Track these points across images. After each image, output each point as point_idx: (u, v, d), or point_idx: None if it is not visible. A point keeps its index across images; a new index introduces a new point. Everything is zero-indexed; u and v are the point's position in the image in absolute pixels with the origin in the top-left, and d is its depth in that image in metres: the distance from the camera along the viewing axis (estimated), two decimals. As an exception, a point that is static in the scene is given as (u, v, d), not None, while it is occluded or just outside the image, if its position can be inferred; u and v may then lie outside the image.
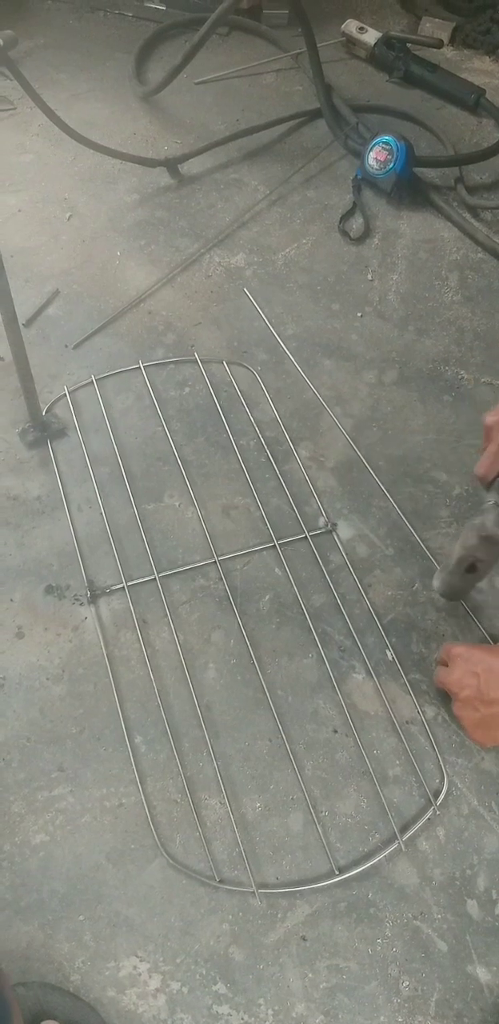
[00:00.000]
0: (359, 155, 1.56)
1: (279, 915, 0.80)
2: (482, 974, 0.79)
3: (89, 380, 1.19)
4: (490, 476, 0.94)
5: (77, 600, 0.98)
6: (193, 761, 0.88)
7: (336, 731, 0.91)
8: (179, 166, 1.53)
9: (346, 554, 1.04)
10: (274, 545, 1.04)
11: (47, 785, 0.85)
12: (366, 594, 1.01)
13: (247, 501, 1.09)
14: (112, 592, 0.99)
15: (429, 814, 0.86)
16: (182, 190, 1.52)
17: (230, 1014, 0.75)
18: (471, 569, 0.95)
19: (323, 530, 1.07)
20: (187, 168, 1.55)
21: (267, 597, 1.00)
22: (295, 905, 0.81)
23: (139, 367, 1.21)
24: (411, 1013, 0.77)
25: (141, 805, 0.84)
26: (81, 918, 0.78)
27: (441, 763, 0.90)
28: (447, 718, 0.93)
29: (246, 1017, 0.75)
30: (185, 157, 1.54)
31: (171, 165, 1.52)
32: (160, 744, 0.88)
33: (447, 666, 0.90)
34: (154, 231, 1.44)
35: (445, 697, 0.93)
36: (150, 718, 0.90)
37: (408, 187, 1.52)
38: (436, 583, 1.00)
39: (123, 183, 1.52)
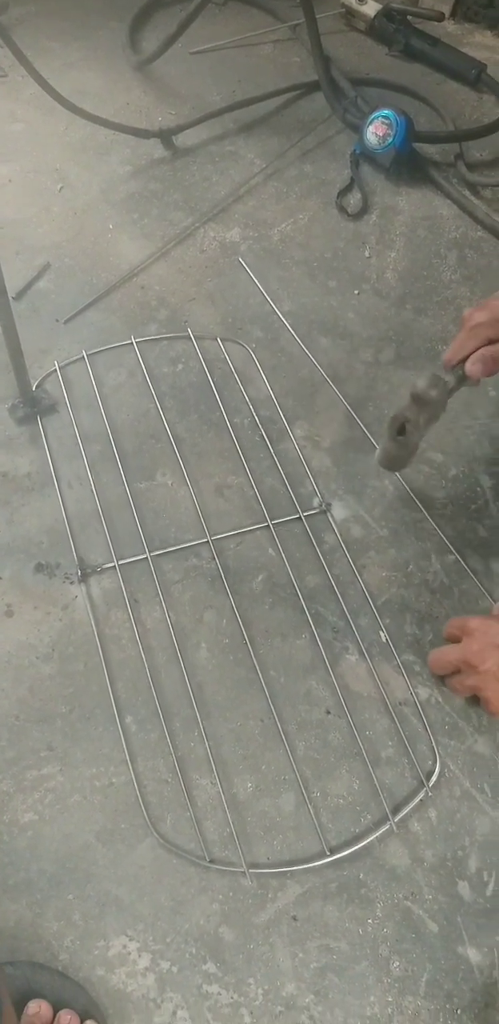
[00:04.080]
0: (357, 129, 1.56)
1: (270, 895, 0.81)
2: (473, 955, 0.80)
3: (80, 356, 1.19)
4: (453, 361, 0.97)
5: (67, 579, 0.98)
6: (184, 741, 0.88)
7: (329, 712, 0.92)
8: (173, 137, 1.53)
9: (340, 535, 1.05)
10: (268, 525, 1.05)
11: (36, 764, 0.86)
12: (360, 575, 1.02)
13: (241, 480, 1.09)
14: (103, 571, 0.99)
15: (421, 796, 0.87)
16: (176, 162, 1.52)
17: (220, 993, 0.76)
18: (401, 431, 0.97)
19: (317, 511, 1.07)
20: (181, 140, 1.55)
21: (260, 577, 1.01)
22: (286, 885, 0.82)
23: (131, 343, 1.21)
24: (401, 993, 0.78)
25: (131, 785, 0.85)
26: (70, 897, 0.79)
27: (434, 745, 0.91)
28: (440, 700, 0.94)
29: (236, 996, 0.76)
30: (179, 128, 1.53)
31: (165, 136, 1.51)
32: (151, 724, 0.89)
33: (458, 641, 0.91)
34: (147, 204, 1.43)
35: (440, 677, 0.94)
36: (141, 698, 0.91)
37: (407, 163, 1.52)
38: (376, 455, 1.04)
39: (116, 154, 1.51)
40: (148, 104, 1.63)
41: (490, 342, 0.96)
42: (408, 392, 0.96)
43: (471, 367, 0.95)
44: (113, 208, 1.42)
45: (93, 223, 1.39)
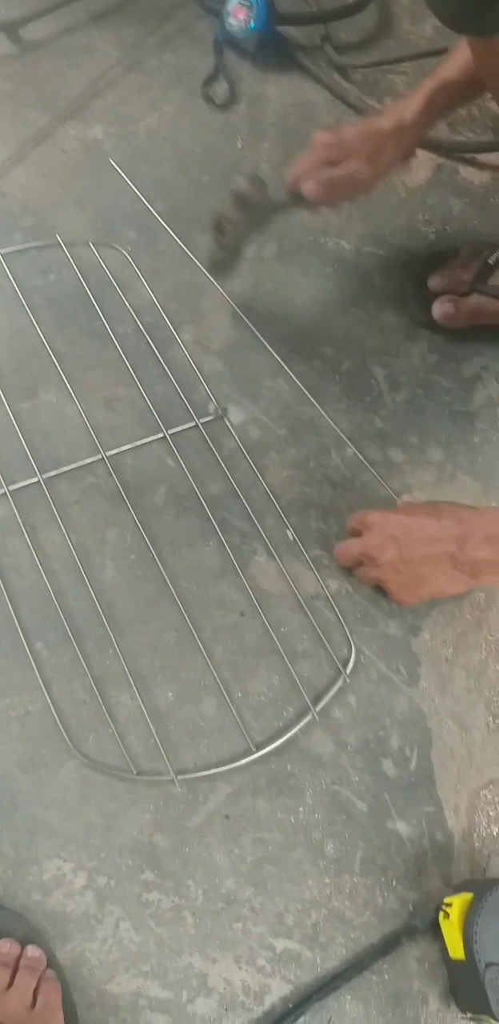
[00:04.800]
0: (218, 14, 1.55)
1: (200, 798, 0.86)
2: (402, 828, 0.88)
3: None
4: (293, 180, 1.03)
5: (-46, 511, 0.98)
6: (99, 660, 0.91)
7: (243, 614, 0.96)
8: (19, 30, 1.48)
9: (239, 439, 1.09)
10: (164, 436, 1.07)
11: None
12: (262, 477, 1.06)
13: (131, 392, 1.10)
14: (-8, 499, 1.00)
15: (340, 683, 0.94)
16: (25, 57, 1.47)
17: (160, 899, 0.81)
18: (219, 229, 1.07)
19: (213, 416, 1.10)
20: (29, 33, 1.49)
21: (162, 489, 1.03)
22: (216, 787, 0.87)
23: (-5, 256, 1.19)
24: (337, 873, 0.85)
25: (48, 710, 0.87)
26: (-4, 829, 0.81)
27: (348, 633, 0.97)
28: (351, 590, 1.00)
29: (177, 899, 0.81)
30: (25, 20, 1.47)
31: (10, 29, 1.46)
32: (63, 648, 0.91)
33: (360, 535, 0.97)
34: (-3, 104, 1.39)
35: (348, 569, 1.00)
36: (49, 623, 0.92)
37: (273, 47, 1.53)
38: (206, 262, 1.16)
39: (-45, 51, 1.45)
40: (-15, -8, 1.56)
41: (331, 164, 1.00)
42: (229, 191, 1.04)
43: (306, 186, 1.00)
44: (-41, 110, 1.37)
45: None
